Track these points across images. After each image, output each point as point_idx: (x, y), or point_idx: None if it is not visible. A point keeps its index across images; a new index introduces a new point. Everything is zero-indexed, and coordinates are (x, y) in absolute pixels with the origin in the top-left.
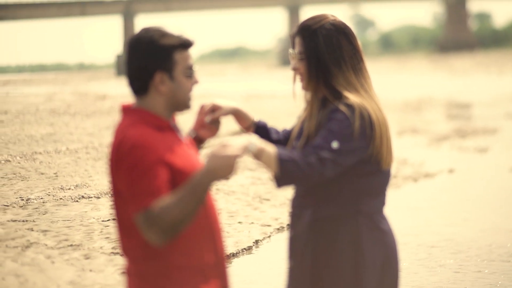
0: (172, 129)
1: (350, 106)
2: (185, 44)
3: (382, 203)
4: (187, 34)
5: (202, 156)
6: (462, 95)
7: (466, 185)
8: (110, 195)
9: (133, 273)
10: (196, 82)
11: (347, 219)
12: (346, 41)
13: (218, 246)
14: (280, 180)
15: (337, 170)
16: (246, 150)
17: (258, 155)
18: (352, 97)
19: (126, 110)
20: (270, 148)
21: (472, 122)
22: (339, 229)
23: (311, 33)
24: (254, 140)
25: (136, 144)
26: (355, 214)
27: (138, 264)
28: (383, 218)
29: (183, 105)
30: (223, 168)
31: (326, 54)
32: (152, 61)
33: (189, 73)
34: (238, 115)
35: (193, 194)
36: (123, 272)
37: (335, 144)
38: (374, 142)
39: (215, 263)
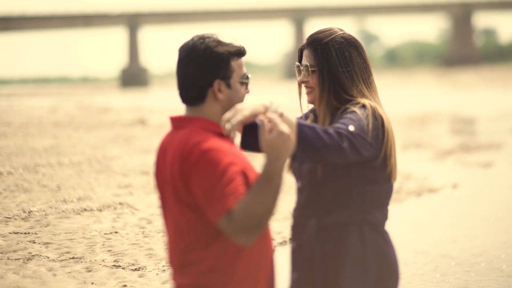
0: (229, 136)
1: (363, 106)
2: (240, 52)
3: (385, 216)
4: (239, 42)
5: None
6: (467, 110)
7: (469, 200)
8: (163, 209)
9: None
10: (248, 91)
11: (353, 227)
12: (357, 54)
13: (271, 274)
14: (298, 148)
15: (352, 152)
16: (267, 109)
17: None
18: (365, 100)
19: (179, 120)
20: (290, 115)
21: (476, 137)
22: (346, 237)
23: (323, 46)
24: (275, 101)
25: (210, 148)
26: (361, 222)
27: (200, 278)
28: (386, 232)
29: None
30: (282, 146)
31: (339, 67)
32: (211, 69)
33: (244, 80)
34: None
35: (269, 184)
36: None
37: (351, 128)
38: (386, 147)
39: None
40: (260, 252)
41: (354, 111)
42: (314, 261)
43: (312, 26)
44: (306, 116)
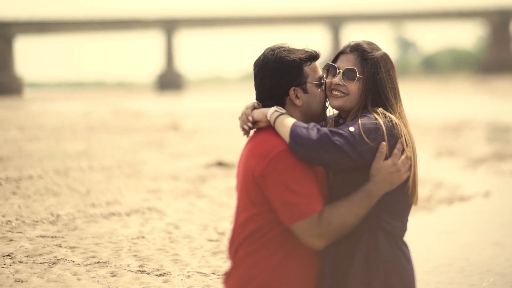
0: None
1: (382, 114)
2: (312, 57)
3: (404, 227)
4: (311, 46)
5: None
6: (504, 118)
7: (501, 209)
8: (240, 210)
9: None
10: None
11: (368, 234)
12: (395, 74)
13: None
14: (294, 145)
15: (350, 151)
16: (265, 115)
17: (275, 119)
18: (393, 117)
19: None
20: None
21: None
22: (359, 242)
23: (374, 58)
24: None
25: (287, 149)
26: (376, 230)
27: (247, 276)
28: (405, 244)
29: (320, 115)
30: (393, 179)
31: (386, 83)
32: (284, 78)
33: (320, 83)
34: None
35: (367, 201)
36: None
37: (351, 128)
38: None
39: None
40: (308, 259)
41: (367, 116)
42: (325, 265)
43: (349, 33)
44: (325, 123)
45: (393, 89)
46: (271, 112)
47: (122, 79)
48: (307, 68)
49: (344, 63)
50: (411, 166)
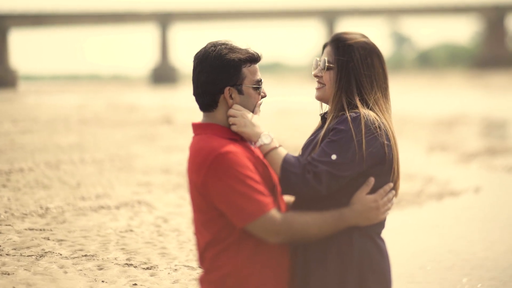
0: (244, 140)
1: (357, 117)
2: (253, 58)
3: (380, 225)
4: (254, 48)
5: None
6: (498, 113)
7: (491, 204)
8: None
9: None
10: (264, 95)
11: (342, 233)
12: (378, 63)
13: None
14: (281, 185)
15: (337, 181)
16: (257, 139)
17: (267, 150)
18: (370, 113)
19: (196, 127)
20: (281, 150)
21: (505, 140)
22: (331, 238)
23: (346, 46)
24: (269, 134)
25: (225, 151)
26: (351, 229)
27: (218, 280)
28: (381, 240)
29: None
30: (370, 214)
31: (361, 70)
32: (220, 76)
33: (257, 86)
34: None
35: (336, 224)
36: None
37: (334, 156)
38: (391, 162)
39: None
40: (276, 257)
41: (343, 130)
42: (296, 262)
43: (344, 27)
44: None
45: (368, 76)
46: (266, 141)
47: (117, 72)
48: (245, 70)
49: (324, 55)
50: (394, 160)
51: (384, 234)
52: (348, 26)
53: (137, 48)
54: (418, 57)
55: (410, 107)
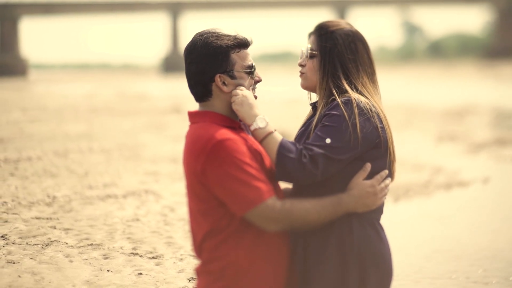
0: (241, 129)
1: (348, 102)
2: (242, 44)
3: (379, 211)
4: (243, 33)
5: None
6: (508, 103)
7: (499, 195)
8: (190, 198)
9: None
10: (259, 79)
11: (340, 220)
12: (362, 48)
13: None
14: (277, 172)
15: (333, 165)
16: (252, 122)
17: (263, 135)
18: (360, 97)
19: (193, 115)
20: (276, 135)
21: None
22: (331, 227)
23: (329, 33)
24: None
25: (224, 138)
26: (349, 216)
27: (217, 270)
28: (380, 226)
29: None
30: (367, 198)
31: (345, 54)
32: (209, 65)
33: (249, 71)
34: None
35: (335, 209)
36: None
37: (328, 140)
38: (385, 144)
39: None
40: (276, 247)
41: (335, 115)
42: (296, 252)
43: (355, 17)
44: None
45: (354, 61)
46: (261, 125)
47: (127, 61)
48: (234, 55)
49: (308, 43)
50: (388, 143)
51: (392, 224)
52: (359, 16)
53: (148, 37)
54: (429, 47)
55: (420, 97)
